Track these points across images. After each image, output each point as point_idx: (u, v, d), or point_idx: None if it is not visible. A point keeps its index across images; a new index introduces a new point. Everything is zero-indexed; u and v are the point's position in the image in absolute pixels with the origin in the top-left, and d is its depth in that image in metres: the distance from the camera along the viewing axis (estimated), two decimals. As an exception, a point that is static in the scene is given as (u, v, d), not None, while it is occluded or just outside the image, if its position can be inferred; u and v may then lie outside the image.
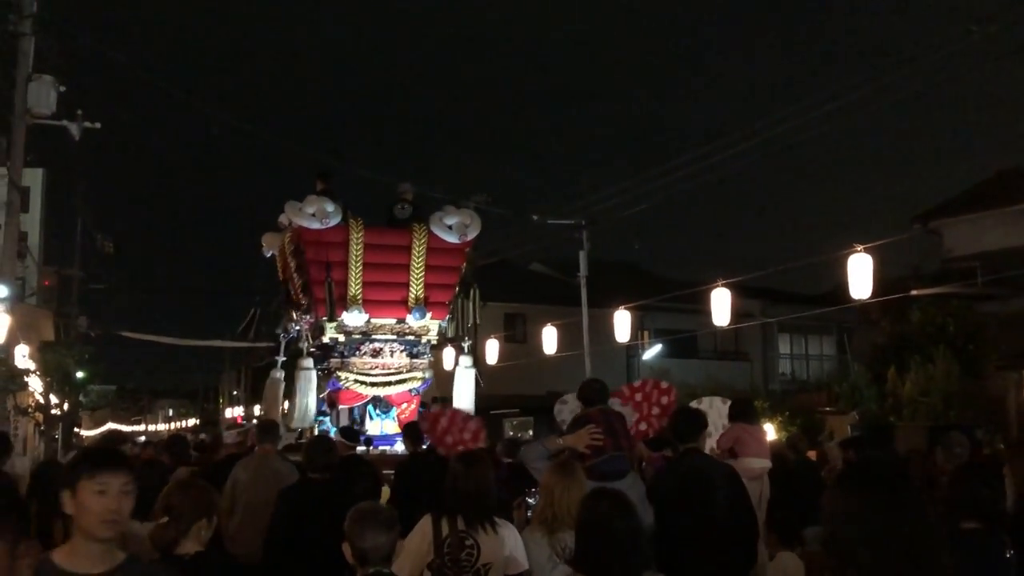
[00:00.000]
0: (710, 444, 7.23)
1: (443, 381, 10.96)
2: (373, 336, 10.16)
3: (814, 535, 4.46)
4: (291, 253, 10.55)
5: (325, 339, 10.13)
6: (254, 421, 21.47)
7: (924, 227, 19.57)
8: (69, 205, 24.84)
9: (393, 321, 10.20)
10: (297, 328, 11.06)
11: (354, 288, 9.86)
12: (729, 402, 8.55)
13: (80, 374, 22.77)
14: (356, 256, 9.84)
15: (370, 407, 10.17)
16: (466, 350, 10.96)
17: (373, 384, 10.07)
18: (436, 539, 3.92)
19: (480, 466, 4.15)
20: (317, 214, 9.72)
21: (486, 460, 4.40)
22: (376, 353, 10.15)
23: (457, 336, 11.03)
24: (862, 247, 8.84)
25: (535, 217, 17.39)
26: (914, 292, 15.51)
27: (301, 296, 10.74)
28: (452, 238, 10.21)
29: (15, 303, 13.03)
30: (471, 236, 10.38)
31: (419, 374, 10.30)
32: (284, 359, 11.64)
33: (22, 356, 13.90)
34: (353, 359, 10.07)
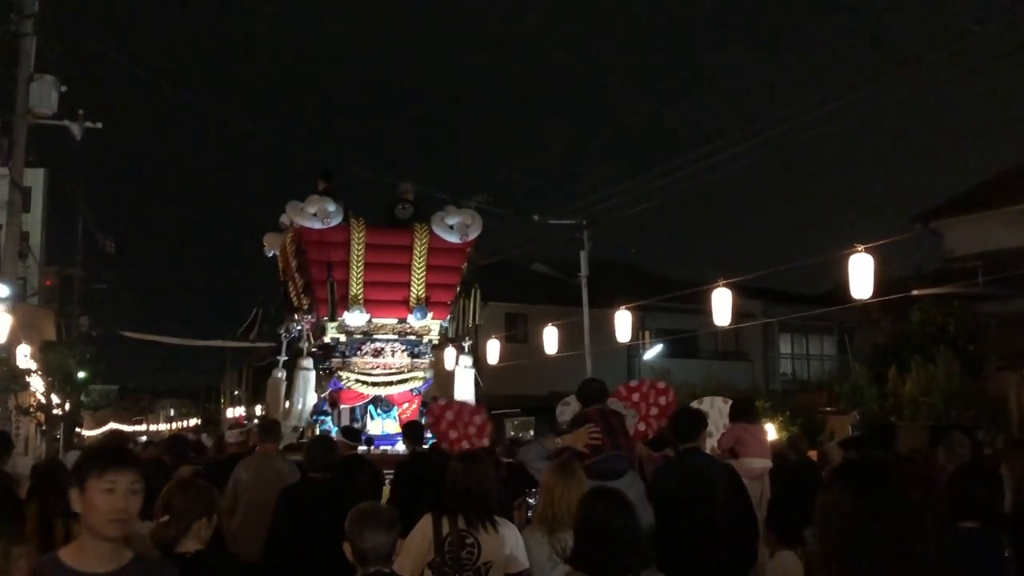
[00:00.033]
0: (711, 444, 7.24)
1: (444, 381, 10.98)
2: (374, 336, 10.18)
3: (814, 535, 4.46)
4: (293, 253, 10.56)
5: (327, 339, 10.15)
6: (255, 421, 21.47)
7: (925, 227, 19.56)
8: (70, 205, 24.86)
9: (394, 321, 10.21)
10: (299, 328, 11.08)
11: (355, 288, 9.87)
12: (730, 402, 8.56)
13: (81, 374, 22.77)
14: (357, 256, 9.86)
15: (371, 407, 10.19)
16: (466, 350, 10.97)
17: (374, 384, 10.09)
18: (437, 538, 3.93)
19: (480, 465, 4.16)
20: (319, 214, 9.74)
21: (486, 459, 4.42)
22: (377, 353, 10.17)
23: (458, 336, 11.05)
24: (863, 247, 8.82)
25: (536, 217, 17.40)
26: (915, 292, 15.50)
27: (302, 296, 10.76)
28: (453, 238, 10.23)
29: (17, 303, 13.05)
30: (472, 236, 10.40)
31: (420, 374, 10.32)
32: (286, 359, 11.66)
33: (24, 356, 13.92)
34: (354, 359, 10.09)
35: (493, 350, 15.41)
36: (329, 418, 10.14)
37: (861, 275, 8.82)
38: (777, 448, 8.76)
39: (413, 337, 10.30)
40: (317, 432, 9.42)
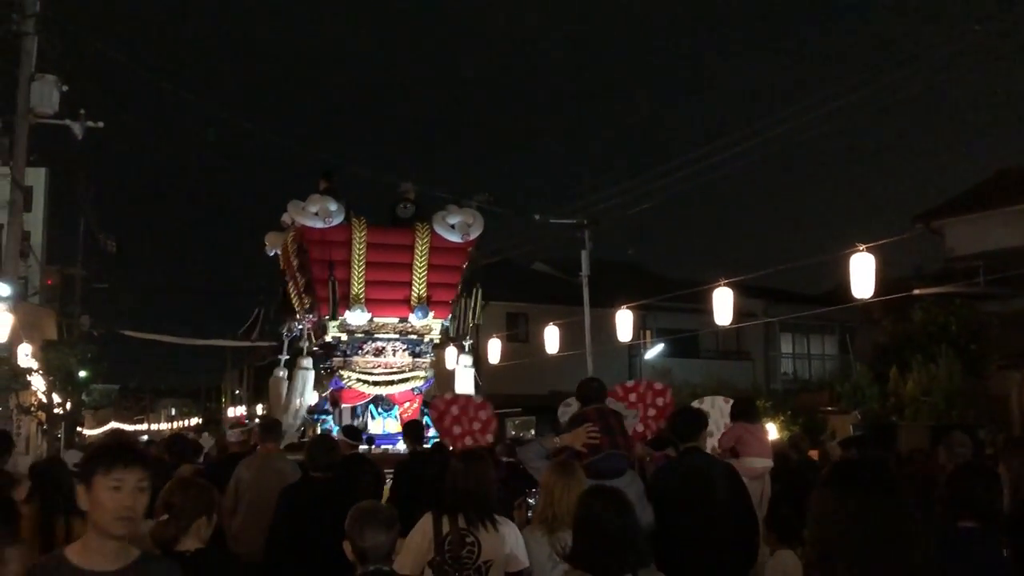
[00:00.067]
0: (712, 443, 7.25)
1: (445, 380, 10.99)
2: (376, 335, 10.19)
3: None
4: (294, 252, 10.57)
5: (328, 338, 10.16)
6: (257, 420, 21.49)
7: (926, 227, 19.59)
8: (72, 204, 24.87)
9: (396, 320, 10.22)
10: (300, 327, 11.08)
11: (357, 287, 9.88)
12: (731, 401, 8.57)
13: (83, 373, 22.75)
14: (359, 255, 9.87)
15: (372, 406, 10.20)
16: (467, 349, 10.98)
17: (375, 383, 10.10)
18: (437, 537, 3.94)
19: (480, 464, 4.16)
20: (320, 213, 9.75)
21: (486, 458, 4.42)
22: (379, 352, 10.18)
23: (459, 335, 11.06)
24: (864, 247, 8.82)
25: (537, 217, 17.41)
26: (916, 292, 15.51)
27: (304, 295, 10.76)
28: (455, 237, 10.23)
29: (18, 302, 13.06)
30: (474, 235, 10.40)
31: (421, 373, 10.34)
32: (287, 358, 11.66)
33: (25, 355, 13.92)
34: (356, 358, 10.11)
35: (494, 349, 15.41)
36: (330, 417, 10.15)
37: (862, 275, 8.82)
38: (778, 448, 8.77)
39: (414, 336, 10.31)
40: (318, 431, 9.44)
